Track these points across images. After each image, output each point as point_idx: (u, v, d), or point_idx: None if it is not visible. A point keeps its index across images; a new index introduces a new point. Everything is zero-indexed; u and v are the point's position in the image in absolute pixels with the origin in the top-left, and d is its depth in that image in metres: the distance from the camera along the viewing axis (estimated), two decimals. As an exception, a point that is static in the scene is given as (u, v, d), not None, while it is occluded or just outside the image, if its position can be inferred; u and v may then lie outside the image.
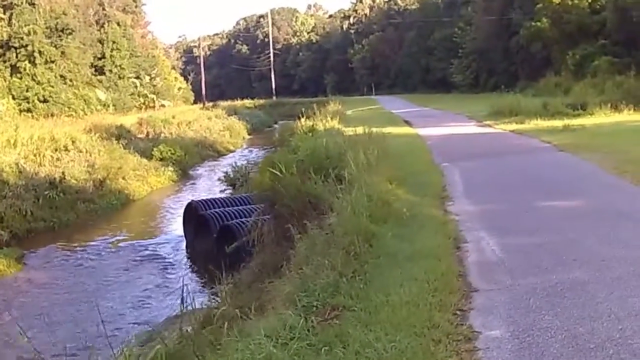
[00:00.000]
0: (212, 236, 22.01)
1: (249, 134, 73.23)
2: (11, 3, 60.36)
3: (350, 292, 8.53)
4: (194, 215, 24.91)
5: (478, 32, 76.92)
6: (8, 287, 20.63)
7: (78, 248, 25.59)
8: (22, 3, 61.09)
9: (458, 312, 7.86)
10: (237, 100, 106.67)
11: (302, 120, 33.46)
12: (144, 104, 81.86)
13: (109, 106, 69.68)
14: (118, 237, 27.24)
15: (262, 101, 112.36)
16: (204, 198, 28.12)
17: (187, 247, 24.80)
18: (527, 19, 60.80)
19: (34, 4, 62.40)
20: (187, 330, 11.15)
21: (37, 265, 23.39)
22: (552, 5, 55.90)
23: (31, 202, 28.82)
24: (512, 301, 8.09)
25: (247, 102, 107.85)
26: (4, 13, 60.66)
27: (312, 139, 21.93)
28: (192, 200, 27.06)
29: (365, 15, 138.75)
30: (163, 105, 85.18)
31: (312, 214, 13.89)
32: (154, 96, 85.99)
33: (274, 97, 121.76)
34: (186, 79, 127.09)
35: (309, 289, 8.72)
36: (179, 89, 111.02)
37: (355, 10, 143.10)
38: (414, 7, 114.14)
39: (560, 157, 20.71)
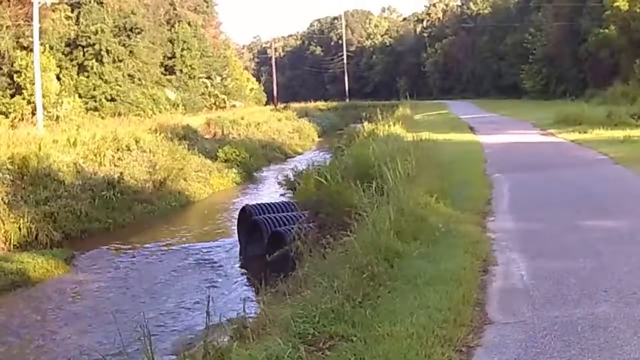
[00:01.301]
0: (264, 242, 21.66)
1: (319, 137, 72.89)
2: (79, 2, 60.94)
3: (353, 319, 7.95)
4: (248, 219, 24.57)
5: (548, 38, 75.92)
6: (51, 288, 20.36)
7: (130, 250, 25.29)
8: (90, 2, 61.77)
9: (463, 349, 7.24)
10: (309, 102, 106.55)
11: (365, 124, 33.17)
12: (214, 104, 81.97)
13: (178, 106, 69.80)
14: (172, 240, 26.90)
15: (334, 103, 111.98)
16: (258, 202, 27.72)
17: (240, 252, 24.42)
18: (596, 26, 59.69)
19: (102, 2, 63.10)
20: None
21: (85, 266, 23.10)
22: (621, 12, 54.93)
23: (87, 202, 28.57)
24: (526, 339, 7.44)
25: (320, 104, 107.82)
26: (72, 11, 61.39)
27: (361, 145, 21.46)
28: (246, 205, 26.74)
29: (439, 19, 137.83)
30: (234, 106, 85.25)
31: (351, 225, 13.36)
32: (224, 97, 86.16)
33: (347, 100, 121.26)
34: (259, 80, 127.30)
35: (308, 314, 8.11)
36: (251, 89, 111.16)
37: (429, 14, 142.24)
38: (486, 11, 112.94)
39: (613, 171, 20.02)
